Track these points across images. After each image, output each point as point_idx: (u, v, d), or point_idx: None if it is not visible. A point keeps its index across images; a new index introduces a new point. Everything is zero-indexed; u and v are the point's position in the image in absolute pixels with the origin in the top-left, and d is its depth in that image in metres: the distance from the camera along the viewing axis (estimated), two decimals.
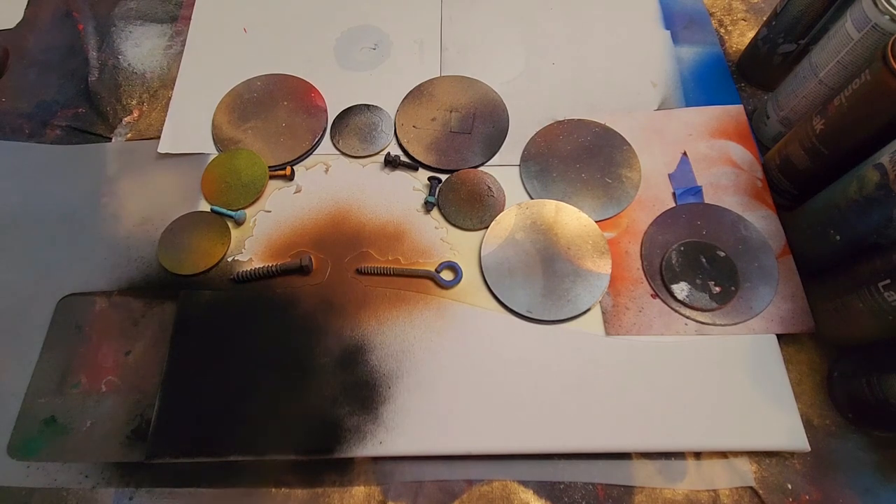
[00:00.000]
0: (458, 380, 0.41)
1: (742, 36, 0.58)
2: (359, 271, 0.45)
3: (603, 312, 0.43)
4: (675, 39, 0.57)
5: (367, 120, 0.52)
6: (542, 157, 0.50)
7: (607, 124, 0.51)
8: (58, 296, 0.45)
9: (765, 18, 0.51)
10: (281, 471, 0.39)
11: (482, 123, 0.51)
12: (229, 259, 0.46)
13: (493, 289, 0.44)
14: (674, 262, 0.44)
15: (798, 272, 0.43)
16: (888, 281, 0.35)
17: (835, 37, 0.41)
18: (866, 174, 0.36)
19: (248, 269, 0.45)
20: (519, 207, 0.47)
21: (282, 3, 0.60)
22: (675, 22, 0.58)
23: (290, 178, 0.49)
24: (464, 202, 0.47)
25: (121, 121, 0.53)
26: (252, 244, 0.46)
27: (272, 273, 0.44)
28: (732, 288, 0.43)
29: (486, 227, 0.46)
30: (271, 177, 0.49)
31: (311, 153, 0.51)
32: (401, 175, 0.50)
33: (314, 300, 0.44)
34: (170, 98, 0.54)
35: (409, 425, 0.39)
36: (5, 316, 0.44)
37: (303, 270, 0.44)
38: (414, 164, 0.50)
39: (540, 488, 0.39)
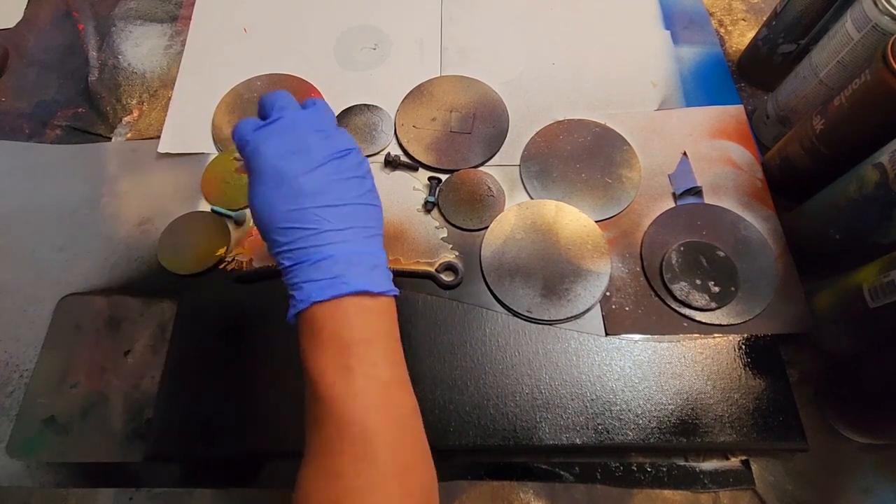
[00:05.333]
0: (457, 379, 0.41)
1: (742, 36, 0.58)
2: None
3: (603, 312, 0.43)
4: (675, 39, 0.57)
5: (367, 120, 0.52)
6: (542, 157, 0.50)
7: (607, 124, 0.51)
8: (58, 296, 0.45)
9: (765, 18, 0.51)
10: (281, 470, 0.39)
11: (482, 123, 0.51)
12: (229, 259, 0.46)
13: (493, 289, 0.44)
14: (673, 262, 0.44)
15: (798, 272, 0.43)
16: None
17: (835, 37, 0.41)
18: (866, 174, 0.36)
19: (248, 269, 0.45)
20: (519, 207, 0.47)
21: (282, 3, 0.60)
22: (675, 22, 0.58)
23: None
24: (464, 202, 0.47)
25: (121, 120, 0.53)
26: (252, 244, 0.46)
27: (272, 273, 0.44)
28: (732, 288, 0.43)
29: (486, 227, 0.46)
30: None
31: None
32: (401, 175, 0.50)
33: None
34: (170, 98, 0.54)
35: None
36: (5, 316, 0.44)
37: None
38: (414, 164, 0.50)
39: (540, 488, 0.39)
